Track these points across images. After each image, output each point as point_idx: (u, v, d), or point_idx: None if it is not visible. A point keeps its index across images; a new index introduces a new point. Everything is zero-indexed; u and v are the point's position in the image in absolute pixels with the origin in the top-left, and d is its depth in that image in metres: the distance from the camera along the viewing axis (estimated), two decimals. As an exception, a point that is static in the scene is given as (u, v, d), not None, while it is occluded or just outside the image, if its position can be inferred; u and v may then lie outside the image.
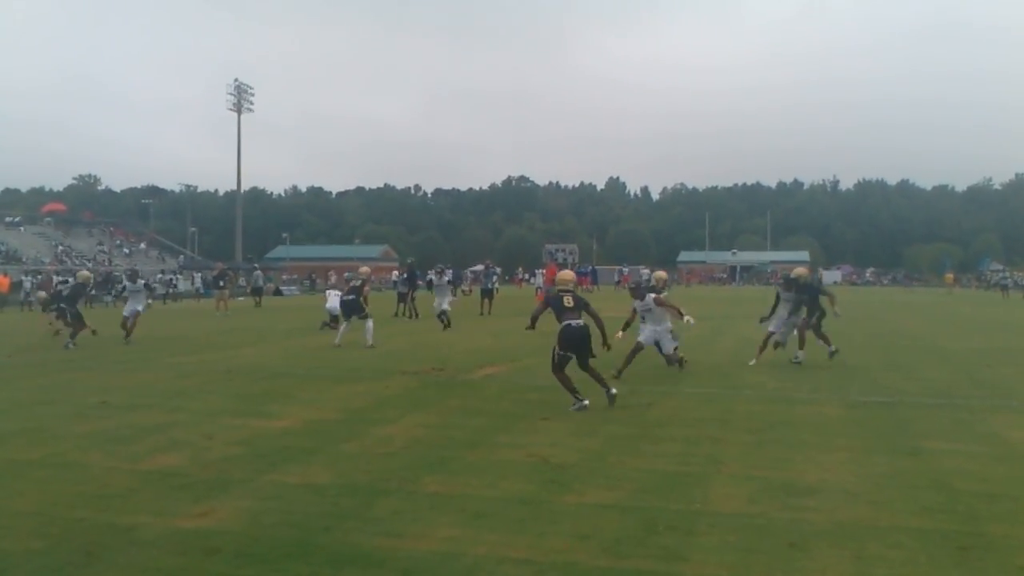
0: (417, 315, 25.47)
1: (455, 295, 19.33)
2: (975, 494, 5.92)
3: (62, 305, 16.27)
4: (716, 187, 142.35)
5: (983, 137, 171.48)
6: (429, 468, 6.70)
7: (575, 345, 9.34)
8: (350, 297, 16.66)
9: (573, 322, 9.34)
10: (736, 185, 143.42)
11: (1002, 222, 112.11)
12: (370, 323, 16.52)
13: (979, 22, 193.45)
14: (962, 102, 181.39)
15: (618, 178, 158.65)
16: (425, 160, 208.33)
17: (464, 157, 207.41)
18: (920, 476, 6.45)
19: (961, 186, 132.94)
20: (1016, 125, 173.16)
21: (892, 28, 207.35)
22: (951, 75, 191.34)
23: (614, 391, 9.49)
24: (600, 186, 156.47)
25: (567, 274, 10.71)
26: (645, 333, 11.93)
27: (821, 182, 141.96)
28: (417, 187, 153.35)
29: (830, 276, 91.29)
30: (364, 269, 18.79)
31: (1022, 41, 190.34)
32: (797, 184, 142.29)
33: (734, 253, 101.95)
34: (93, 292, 17.77)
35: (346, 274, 19.34)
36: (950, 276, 64.97)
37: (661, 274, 15.17)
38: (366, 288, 17.10)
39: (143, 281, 19.07)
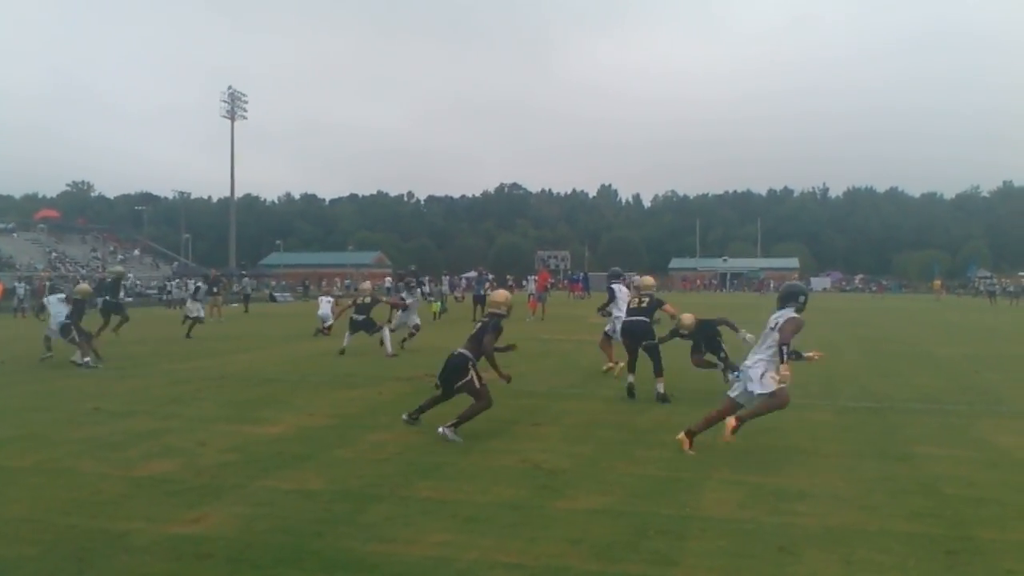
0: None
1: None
2: (964, 499, 5.98)
3: (67, 321, 15.38)
4: (707, 194, 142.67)
5: (971, 145, 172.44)
6: (422, 474, 6.73)
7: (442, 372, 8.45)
8: (361, 317, 16.66)
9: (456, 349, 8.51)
10: (727, 192, 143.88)
11: (990, 229, 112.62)
12: (386, 331, 16.63)
13: (967, 31, 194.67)
14: (950, 110, 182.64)
15: (610, 185, 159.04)
16: (418, 167, 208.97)
17: (457, 164, 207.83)
18: (909, 481, 6.51)
19: (949, 194, 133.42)
20: (1004, 132, 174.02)
21: (881, 38, 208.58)
22: (939, 84, 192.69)
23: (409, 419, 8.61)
24: (592, 193, 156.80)
25: (500, 295, 9.12)
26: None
27: (811, 190, 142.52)
28: (410, 194, 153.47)
29: (819, 283, 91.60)
30: (366, 285, 18.68)
31: (1009, 49, 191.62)
32: (787, 192, 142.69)
33: (725, 260, 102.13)
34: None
35: (357, 294, 18.35)
36: (938, 283, 65.23)
37: (647, 280, 12.25)
38: (379, 300, 17.22)
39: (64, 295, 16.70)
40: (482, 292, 30.63)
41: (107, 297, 18.65)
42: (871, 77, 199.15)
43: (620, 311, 13.37)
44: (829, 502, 5.89)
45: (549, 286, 37.73)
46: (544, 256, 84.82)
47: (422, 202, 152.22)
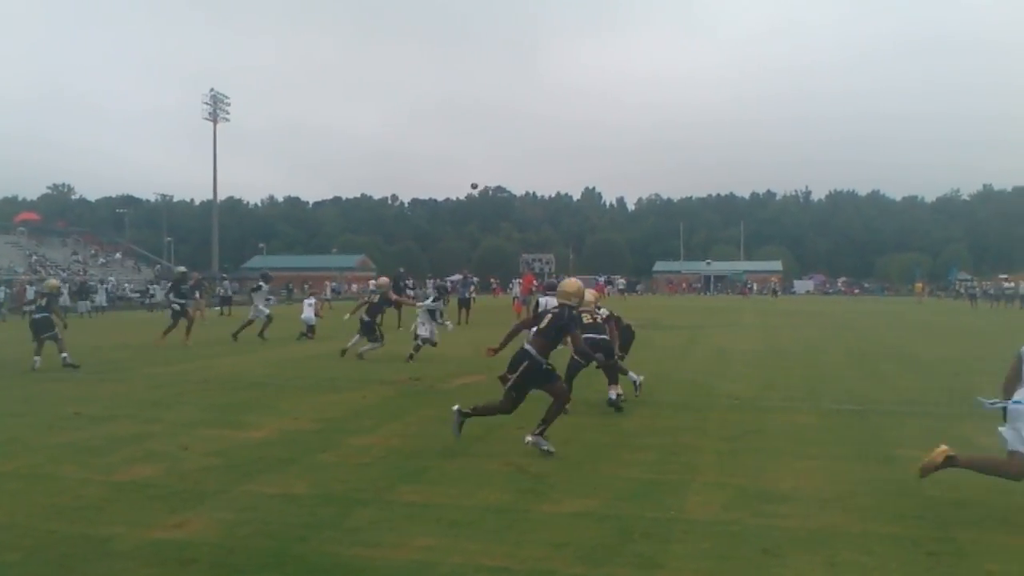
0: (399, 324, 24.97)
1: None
2: (946, 501, 6.02)
3: (47, 314, 15.28)
4: (691, 197, 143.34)
5: (951, 149, 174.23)
6: (406, 478, 6.72)
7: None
8: (368, 319, 16.48)
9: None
10: (710, 196, 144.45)
11: (970, 232, 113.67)
12: (373, 344, 16.39)
13: (947, 38, 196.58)
14: (930, 115, 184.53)
15: (594, 188, 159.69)
16: (401, 170, 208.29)
17: (440, 167, 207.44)
18: (892, 483, 6.54)
19: (930, 197, 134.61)
20: (984, 137, 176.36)
21: (863, 45, 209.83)
22: (921, 89, 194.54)
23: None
24: (576, 196, 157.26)
25: (570, 284, 8.45)
26: None
27: (793, 193, 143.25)
28: (394, 197, 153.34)
29: (802, 285, 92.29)
30: (382, 280, 18.27)
31: (989, 54, 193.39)
32: (770, 195, 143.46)
33: (708, 263, 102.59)
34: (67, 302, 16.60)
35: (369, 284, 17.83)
36: (920, 285, 65.89)
37: (588, 294, 10.53)
38: (393, 297, 16.62)
39: None
40: (467, 295, 30.69)
41: (175, 299, 20.17)
42: (853, 82, 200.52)
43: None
44: (813, 504, 5.92)
45: (534, 289, 37.78)
46: (528, 259, 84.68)
47: (406, 205, 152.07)
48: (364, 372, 14.05)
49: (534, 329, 8.17)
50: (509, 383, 7.70)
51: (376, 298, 16.97)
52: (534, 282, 33.51)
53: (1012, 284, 52.28)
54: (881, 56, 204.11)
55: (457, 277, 54.42)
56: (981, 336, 23.96)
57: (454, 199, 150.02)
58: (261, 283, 22.48)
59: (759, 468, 7.04)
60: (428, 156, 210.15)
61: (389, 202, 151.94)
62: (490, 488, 6.38)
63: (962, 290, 63.78)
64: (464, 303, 29.84)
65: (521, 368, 7.66)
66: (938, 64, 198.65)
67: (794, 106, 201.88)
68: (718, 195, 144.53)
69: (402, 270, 30.19)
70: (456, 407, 7.86)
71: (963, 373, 13.99)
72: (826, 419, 9.53)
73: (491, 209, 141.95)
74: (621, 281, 76.86)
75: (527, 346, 7.81)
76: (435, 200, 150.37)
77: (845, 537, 5.18)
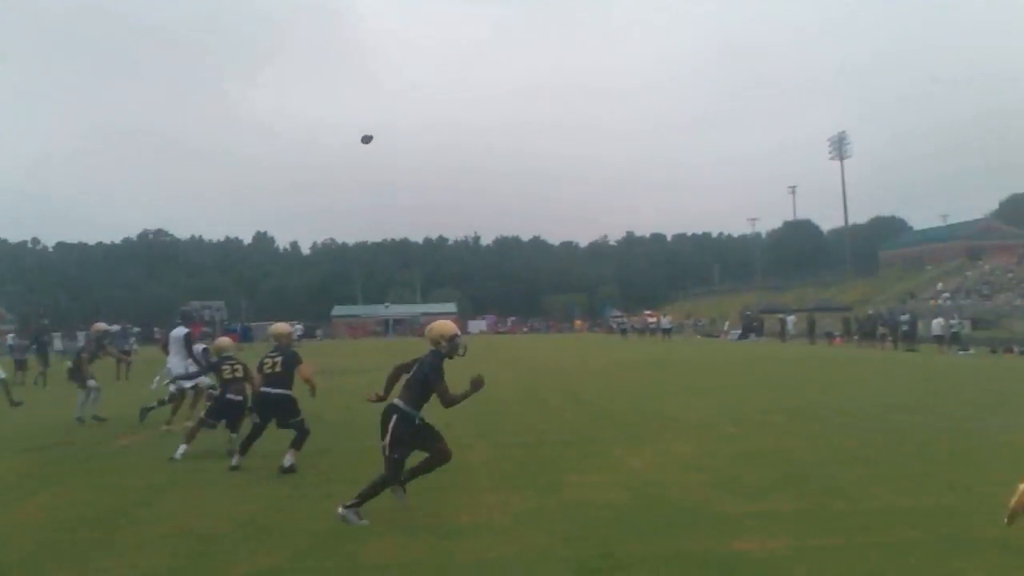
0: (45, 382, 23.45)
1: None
2: (605, 520, 6.55)
3: None
4: (366, 242, 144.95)
5: (600, 199, 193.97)
6: (56, 555, 5.98)
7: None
8: (70, 365, 14.35)
9: None
10: (385, 240, 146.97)
11: (618, 273, 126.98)
12: (93, 392, 13.98)
13: (586, 88, 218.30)
14: (580, 167, 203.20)
15: (266, 232, 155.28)
16: (42, 210, 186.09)
17: (90, 208, 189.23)
18: (560, 508, 7.00)
19: (584, 242, 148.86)
20: (626, 189, 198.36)
21: (517, 98, 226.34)
22: (571, 144, 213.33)
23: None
24: (247, 240, 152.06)
25: (436, 326, 7.27)
26: None
27: (464, 238, 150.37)
28: (35, 240, 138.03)
29: (476, 325, 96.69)
30: (99, 326, 15.85)
31: (627, 105, 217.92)
32: (442, 240, 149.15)
33: (387, 306, 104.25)
34: None
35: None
36: (579, 322, 72.04)
37: (280, 327, 9.90)
38: (84, 356, 14.26)
39: None
40: (126, 347, 28.68)
41: None
42: (511, 135, 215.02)
43: (172, 363, 12.86)
44: (488, 535, 6.15)
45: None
46: (197, 306, 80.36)
47: (50, 248, 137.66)
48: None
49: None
50: (385, 448, 6.66)
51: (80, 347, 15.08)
52: (203, 329, 31.85)
53: (654, 319, 58.89)
54: (534, 112, 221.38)
55: (115, 327, 50.23)
56: (629, 367, 26.60)
57: (108, 243, 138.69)
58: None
59: (436, 506, 7.20)
60: (75, 196, 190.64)
61: (29, 246, 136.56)
62: (156, 556, 5.87)
63: (615, 325, 70.73)
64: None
65: (392, 421, 6.66)
66: (585, 112, 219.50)
67: (462, 155, 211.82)
68: (393, 240, 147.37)
69: (46, 322, 26.98)
70: (340, 510, 6.64)
71: (616, 401, 15.43)
72: (500, 451, 10.00)
73: (153, 254, 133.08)
74: (299, 327, 75.40)
75: (395, 399, 6.86)
76: (86, 244, 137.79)
77: (518, 565, 5.43)
